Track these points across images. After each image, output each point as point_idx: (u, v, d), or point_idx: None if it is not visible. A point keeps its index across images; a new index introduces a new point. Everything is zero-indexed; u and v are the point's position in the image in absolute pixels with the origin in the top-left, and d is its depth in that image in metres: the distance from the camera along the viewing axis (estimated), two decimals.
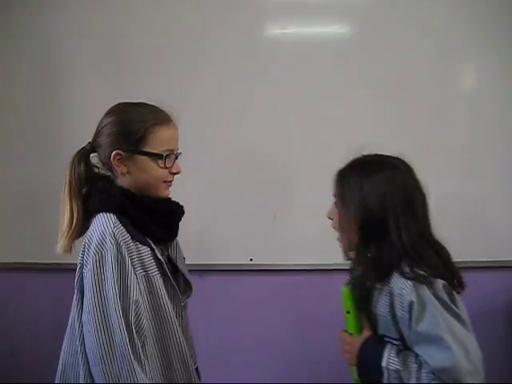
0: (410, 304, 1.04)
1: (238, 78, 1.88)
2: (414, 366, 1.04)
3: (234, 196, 1.90)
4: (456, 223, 1.88)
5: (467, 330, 1.04)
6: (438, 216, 1.88)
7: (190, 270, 1.90)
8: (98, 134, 1.17)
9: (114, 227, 1.08)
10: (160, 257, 1.15)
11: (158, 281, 1.13)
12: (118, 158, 1.13)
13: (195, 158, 1.89)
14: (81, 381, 1.08)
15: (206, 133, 1.88)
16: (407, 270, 1.07)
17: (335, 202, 1.16)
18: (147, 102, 1.18)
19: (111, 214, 1.11)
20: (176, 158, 1.18)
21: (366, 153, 1.16)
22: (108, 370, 1.03)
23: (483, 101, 1.90)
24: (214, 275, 1.92)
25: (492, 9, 1.88)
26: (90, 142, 1.18)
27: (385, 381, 1.06)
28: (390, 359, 1.07)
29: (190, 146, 1.87)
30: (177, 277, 1.24)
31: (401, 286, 1.06)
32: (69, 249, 1.15)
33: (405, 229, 1.09)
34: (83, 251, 1.10)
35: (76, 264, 1.12)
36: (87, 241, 1.10)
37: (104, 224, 1.09)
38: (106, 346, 1.03)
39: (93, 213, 1.14)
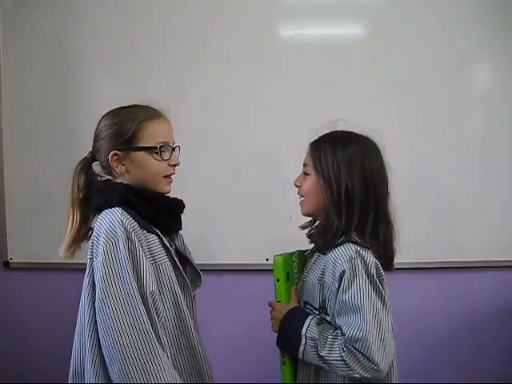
0: (342, 273, 1.10)
1: (251, 79, 1.92)
2: (329, 338, 1.10)
3: (251, 197, 1.93)
4: (470, 222, 1.88)
5: (386, 311, 1.10)
6: (449, 214, 1.91)
7: (206, 270, 1.93)
8: (95, 140, 1.22)
9: (122, 216, 1.10)
10: (168, 245, 1.18)
11: (167, 268, 1.15)
12: (115, 158, 1.17)
13: (211, 158, 1.92)
14: (88, 377, 1.08)
15: (221, 133, 1.91)
16: (351, 239, 1.14)
17: (304, 172, 1.23)
18: (138, 104, 1.23)
19: (116, 208, 1.13)
20: (173, 150, 1.20)
21: (338, 128, 1.24)
22: (132, 358, 1.01)
23: (496, 100, 1.89)
24: (231, 275, 1.95)
25: (505, 8, 1.87)
26: (90, 152, 1.23)
27: (301, 348, 1.12)
28: (309, 327, 1.13)
29: (205, 147, 1.92)
30: (185, 267, 1.26)
31: (336, 255, 1.13)
32: (69, 253, 1.21)
33: (367, 202, 1.16)
34: (92, 245, 1.12)
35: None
36: (95, 234, 1.12)
37: (111, 215, 1.11)
38: (126, 333, 1.02)
39: (94, 212, 1.17)
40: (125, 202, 1.14)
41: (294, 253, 1.31)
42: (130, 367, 1.01)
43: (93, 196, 1.17)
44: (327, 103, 1.86)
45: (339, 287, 1.11)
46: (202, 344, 1.27)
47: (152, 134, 1.17)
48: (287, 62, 1.90)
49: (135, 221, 1.12)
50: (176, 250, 1.25)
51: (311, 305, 1.20)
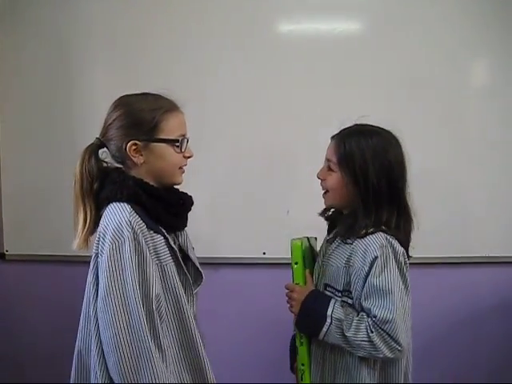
0: (374, 259, 1.14)
1: (250, 75, 1.91)
2: (355, 319, 1.15)
3: (248, 191, 1.93)
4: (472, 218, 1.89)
5: (408, 297, 1.17)
6: (454, 211, 1.90)
7: (204, 263, 1.92)
8: (107, 128, 1.17)
9: (130, 216, 1.08)
10: (173, 245, 1.16)
11: (172, 269, 1.14)
12: (134, 148, 1.14)
13: (210, 154, 1.92)
14: (92, 379, 1.09)
15: (220, 129, 1.91)
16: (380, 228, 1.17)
17: (328, 165, 1.24)
18: (150, 92, 1.19)
19: (125, 204, 1.11)
20: (187, 142, 1.20)
21: (359, 122, 1.25)
22: (125, 357, 1.02)
23: (495, 98, 1.90)
24: (228, 268, 1.95)
25: (505, 7, 1.87)
26: (98, 138, 1.19)
27: (325, 328, 1.16)
28: (334, 309, 1.17)
29: (204, 142, 1.92)
30: (188, 265, 1.25)
31: (367, 242, 1.17)
32: (84, 246, 1.16)
33: (392, 196, 1.19)
34: (98, 241, 1.10)
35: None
36: (102, 230, 1.10)
37: (120, 213, 1.09)
38: (123, 332, 1.03)
39: (104, 202, 1.14)
40: (135, 199, 1.12)
41: (305, 238, 1.35)
42: (123, 366, 1.03)
43: (106, 185, 1.15)
44: (326, 100, 1.86)
45: (369, 272, 1.14)
46: (203, 342, 1.27)
47: (173, 126, 1.16)
48: (287, 59, 1.89)
49: (143, 221, 1.11)
50: (179, 247, 1.24)
51: (333, 287, 1.23)
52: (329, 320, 1.15)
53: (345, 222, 1.23)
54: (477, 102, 1.93)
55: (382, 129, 1.24)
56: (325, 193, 1.27)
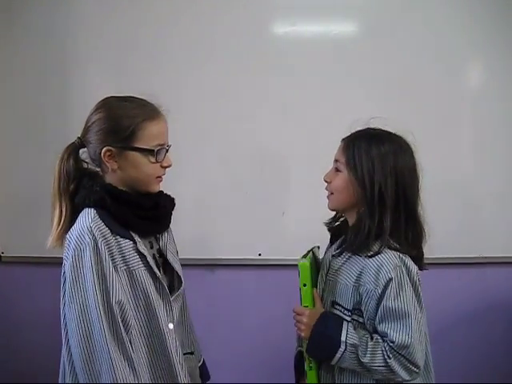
0: (389, 280, 1.10)
1: (246, 76, 1.90)
2: (369, 344, 1.11)
3: (244, 192, 1.93)
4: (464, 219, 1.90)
5: (423, 317, 1.14)
6: (446, 212, 1.91)
7: (200, 265, 1.92)
8: (87, 130, 1.16)
9: (92, 222, 1.08)
10: (143, 250, 1.13)
11: (142, 274, 1.12)
12: (108, 154, 1.12)
13: (205, 155, 1.93)
14: (66, 380, 1.09)
15: (216, 130, 1.90)
16: (391, 245, 1.14)
17: (336, 167, 1.21)
18: (136, 96, 1.18)
19: (92, 209, 1.10)
20: (166, 151, 1.17)
21: (372, 126, 1.22)
22: (88, 365, 1.03)
23: (489, 100, 1.90)
24: (224, 270, 1.95)
25: (498, 8, 1.88)
26: (79, 137, 1.18)
27: (338, 354, 1.12)
28: (348, 334, 1.12)
29: (200, 143, 1.93)
30: (170, 269, 1.23)
31: (380, 262, 1.12)
32: (58, 244, 1.15)
33: (399, 202, 1.15)
34: (65, 247, 1.10)
35: None
36: (68, 236, 1.10)
37: (83, 219, 1.09)
38: (85, 340, 1.03)
39: (78, 208, 1.13)
40: (101, 204, 1.11)
41: (310, 252, 1.29)
42: (87, 373, 1.03)
43: (79, 191, 1.14)
44: (323, 101, 1.86)
45: (382, 293, 1.11)
46: (198, 350, 1.27)
47: (150, 136, 1.13)
48: (284, 60, 1.89)
49: (107, 226, 1.09)
50: (159, 251, 1.22)
51: (341, 305, 1.18)
52: (343, 346, 1.11)
53: (351, 233, 1.18)
54: (476, 102, 1.93)
55: (394, 134, 1.21)
56: (329, 196, 1.23)
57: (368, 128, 1.22)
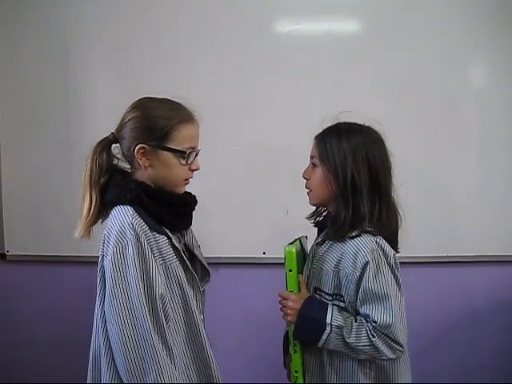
0: (365, 264, 1.15)
1: (250, 74, 1.92)
2: (354, 325, 1.16)
3: (248, 191, 1.93)
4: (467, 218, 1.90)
5: (402, 297, 1.19)
6: (446, 209, 1.91)
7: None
8: (122, 126, 1.19)
9: (133, 218, 1.11)
10: (177, 245, 1.18)
11: (177, 268, 1.16)
12: (141, 151, 1.16)
13: (209, 153, 1.91)
14: (103, 377, 1.11)
15: (219, 129, 1.90)
16: (368, 230, 1.19)
17: (313, 163, 1.26)
18: (171, 99, 1.21)
19: (128, 207, 1.13)
20: (196, 155, 1.21)
21: (341, 120, 1.26)
22: (131, 356, 1.05)
23: (494, 99, 1.91)
24: (228, 268, 1.96)
25: (503, 8, 1.88)
26: (113, 133, 1.21)
27: (324, 336, 1.16)
28: (333, 316, 1.17)
29: (203, 141, 1.91)
30: (194, 263, 1.28)
31: (357, 246, 1.18)
32: (86, 234, 1.19)
33: (373, 190, 1.20)
34: (103, 243, 1.13)
35: (95, 257, 1.16)
36: (107, 233, 1.13)
37: (122, 216, 1.12)
38: (129, 333, 1.05)
39: (109, 205, 1.17)
40: (137, 202, 1.14)
41: (298, 240, 1.35)
42: (130, 366, 1.05)
43: (110, 187, 1.17)
44: (325, 99, 1.87)
45: (361, 277, 1.15)
46: (209, 340, 1.28)
47: (183, 138, 1.17)
48: (287, 60, 1.90)
49: (145, 222, 1.13)
50: (185, 245, 1.27)
51: (322, 290, 1.23)
52: (328, 328, 1.16)
53: (330, 222, 1.25)
54: (476, 102, 1.94)
55: (363, 125, 1.26)
56: (309, 192, 1.29)
57: (338, 123, 1.27)
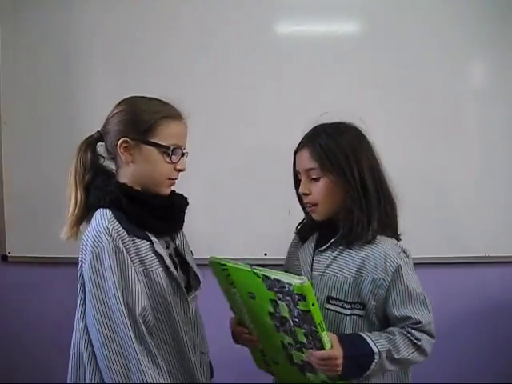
0: (398, 267, 1.12)
1: (250, 76, 1.92)
2: (397, 339, 1.11)
3: (249, 192, 1.93)
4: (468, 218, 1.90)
5: None
6: (447, 211, 1.91)
7: (206, 265, 1.92)
8: (107, 121, 1.17)
9: (109, 222, 1.07)
10: (160, 250, 1.13)
11: (159, 275, 1.12)
12: (124, 145, 1.12)
13: (211, 155, 1.92)
14: (87, 380, 1.08)
15: (221, 131, 1.91)
16: (389, 234, 1.17)
17: (310, 178, 1.17)
18: (160, 98, 1.18)
19: (107, 210, 1.10)
20: (183, 155, 1.17)
21: (319, 122, 1.21)
22: (114, 366, 1.02)
23: (494, 99, 1.92)
24: None
25: (501, 6, 1.89)
26: (98, 131, 1.18)
27: (372, 366, 1.07)
28: (375, 342, 1.09)
29: (204, 143, 1.92)
30: (186, 269, 1.23)
31: (383, 251, 1.13)
32: (73, 235, 1.15)
33: (377, 185, 1.16)
34: (81, 248, 1.10)
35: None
36: (85, 238, 1.10)
37: (99, 220, 1.09)
38: (110, 341, 1.03)
39: (91, 207, 1.14)
40: (116, 205, 1.11)
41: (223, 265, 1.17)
42: (114, 375, 1.03)
43: (91, 190, 1.14)
44: (327, 101, 1.85)
45: (393, 281, 1.12)
46: (207, 348, 1.26)
47: (168, 134, 1.13)
48: (288, 61, 1.91)
49: (123, 227, 1.09)
50: (176, 250, 1.22)
51: (338, 299, 1.15)
52: (377, 357, 1.07)
53: (343, 227, 1.17)
54: (476, 102, 1.95)
55: (345, 123, 1.21)
56: (312, 207, 1.19)
57: (320, 125, 1.21)
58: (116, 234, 1.07)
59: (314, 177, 1.17)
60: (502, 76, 1.92)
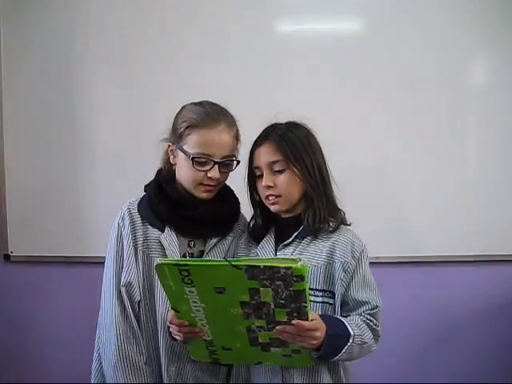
0: (361, 252, 1.18)
1: (252, 76, 1.94)
2: (361, 324, 1.14)
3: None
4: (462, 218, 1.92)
5: None
6: (455, 210, 1.91)
7: None
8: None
9: (129, 205, 1.23)
10: (165, 243, 1.19)
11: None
12: (170, 148, 1.24)
13: None
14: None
15: None
16: (344, 220, 1.22)
17: (273, 170, 1.20)
18: (212, 102, 1.24)
19: (143, 195, 1.25)
20: (215, 163, 1.17)
21: (276, 121, 1.26)
22: (102, 336, 1.19)
23: (493, 99, 1.93)
24: None
25: (505, 7, 1.90)
26: None
27: (344, 349, 1.09)
28: (350, 324, 1.12)
29: None
30: None
31: (350, 236, 1.20)
32: None
33: (328, 177, 1.22)
34: None
35: (99, 257, 1.31)
36: None
37: (125, 205, 1.25)
38: (105, 314, 1.20)
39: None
40: (147, 193, 1.25)
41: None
42: (102, 340, 1.20)
43: None
44: (327, 100, 1.88)
45: (357, 265, 1.17)
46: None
47: (194, 142, 1.17)
48: (289, 60, 1.92)
49: (140, 213, 1.21)
50: (201, 253, 1.23)
51: (310, 288, 1.15)
52: (351, 339, 1.09)
53: (306, 219, 1.20)
54: (475, 102, 1.96)
55: (296, 121, 1.26)
56: (276, 199, 1.21)
57: (274, 124, 1.26)
58: (127, 217, 1.20)
59: (277, 169, 1.20)
60: (502, 76, 1.92)
